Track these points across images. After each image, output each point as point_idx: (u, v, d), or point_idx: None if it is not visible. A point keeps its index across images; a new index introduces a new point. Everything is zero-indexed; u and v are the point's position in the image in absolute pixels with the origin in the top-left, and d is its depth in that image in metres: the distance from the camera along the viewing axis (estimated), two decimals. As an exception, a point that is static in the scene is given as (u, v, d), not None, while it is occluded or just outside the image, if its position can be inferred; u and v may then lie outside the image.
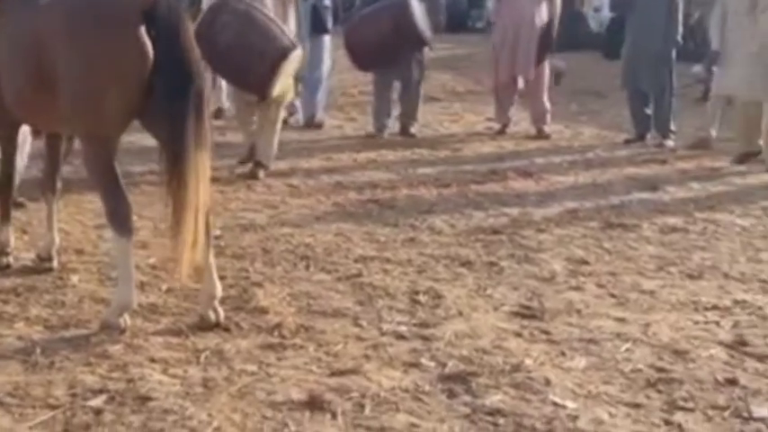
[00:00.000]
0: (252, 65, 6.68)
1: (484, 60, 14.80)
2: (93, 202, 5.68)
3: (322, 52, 9.44)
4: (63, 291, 4.66)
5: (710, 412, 3.57)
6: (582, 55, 12.59)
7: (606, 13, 17.00)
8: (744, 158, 8.27)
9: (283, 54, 6.79)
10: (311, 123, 9.62)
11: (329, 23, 9.53)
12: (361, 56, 8.86)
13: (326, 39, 9.55)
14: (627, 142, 9.15)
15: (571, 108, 10.40)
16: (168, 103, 3.99)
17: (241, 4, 6.78)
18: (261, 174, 7.30)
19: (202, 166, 4.02)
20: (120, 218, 4.12)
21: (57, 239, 5.02)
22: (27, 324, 4.24)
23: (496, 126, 9.74)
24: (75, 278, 4.83)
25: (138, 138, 6.00)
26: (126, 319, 4.18)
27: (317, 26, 9.26)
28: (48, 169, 5.00)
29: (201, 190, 4.02)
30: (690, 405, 3.62)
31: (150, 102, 4.05)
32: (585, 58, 13.34)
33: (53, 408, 3.45)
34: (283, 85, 7.03)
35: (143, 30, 4.00)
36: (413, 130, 9.20)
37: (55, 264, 4.96)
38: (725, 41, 8.39)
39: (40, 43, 4.13)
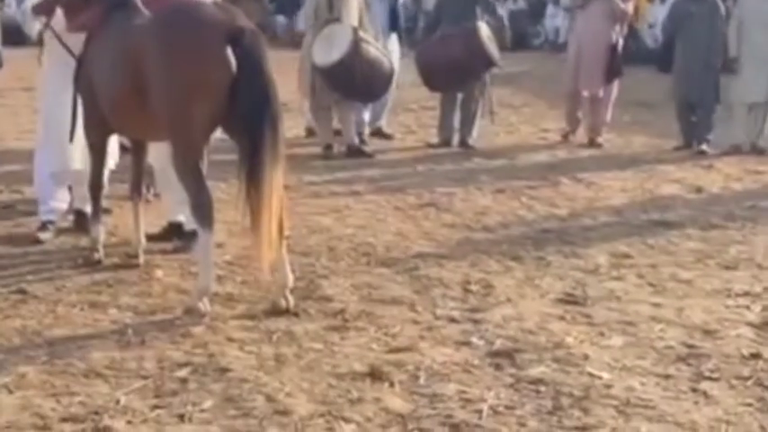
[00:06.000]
0: (377, 81, 8.83)
1: (541, 75, 15.22)
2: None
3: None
4: (149, 283, 5.15)
5: (734, 381, 3.93)
6: (637, 69, 12.81)
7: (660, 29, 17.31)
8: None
9: (393, 72, 9.04)
10: (378, 133, 9.97)
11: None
12: (432, 77, 9.37)
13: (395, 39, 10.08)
14: (676, 149, 9.44)
15: (624, 119, 10.68)
16: (247, 121, 4.51)
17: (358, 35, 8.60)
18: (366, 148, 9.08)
19: (276, 179, 4.52)
20: (203, 211, 4.63)
21: (143, 240, 5.51)
22: (119, 310, 4.74)
23: (556, 135, 10.01)
24: (159, 272, 5.31)
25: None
26: (206, 304, 4.66)
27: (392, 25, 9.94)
28: (134, 178, 5.51)
29: (275, 199, 4.51)
30: (716, 375, 3.98)
31: (232, 115, 4.56)
32: (640, 71, 13.59)
33: (144, 378, 3.92)
34: None
35: (228, 50, 4.51)
36: (470, 141, 9.47)
37: (141, 260, 5.44)
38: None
39: (138, 58, 4.66)
